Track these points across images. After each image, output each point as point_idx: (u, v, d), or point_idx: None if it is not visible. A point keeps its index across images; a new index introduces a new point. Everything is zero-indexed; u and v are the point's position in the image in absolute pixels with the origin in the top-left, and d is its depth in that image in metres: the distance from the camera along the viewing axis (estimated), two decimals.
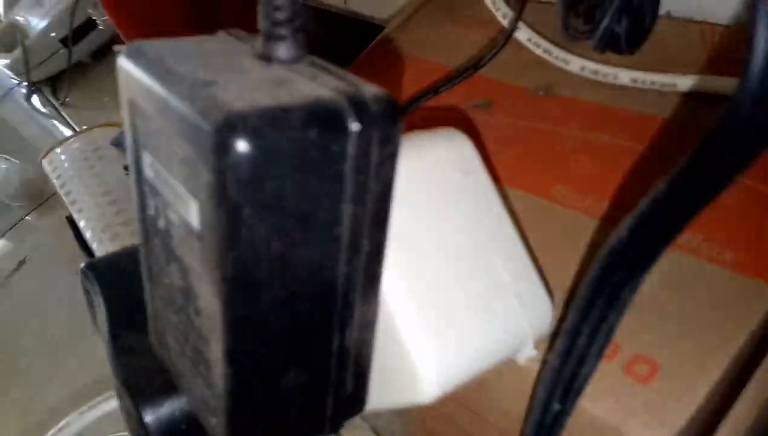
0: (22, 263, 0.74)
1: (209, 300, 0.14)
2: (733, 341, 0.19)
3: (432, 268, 0.17)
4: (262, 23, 0.14)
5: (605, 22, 0.21)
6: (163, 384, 0.22)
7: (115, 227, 0.65)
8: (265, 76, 0.13)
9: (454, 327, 0.17)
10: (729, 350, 0.19)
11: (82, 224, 0.68)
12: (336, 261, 0.14)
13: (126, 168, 0.69)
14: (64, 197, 0.71)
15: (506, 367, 0.19)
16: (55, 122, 0.87)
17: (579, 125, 0.26)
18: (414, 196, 0.17)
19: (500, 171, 0.27)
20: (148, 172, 0.16)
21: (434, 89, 0.30)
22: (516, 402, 0.22)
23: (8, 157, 0.84)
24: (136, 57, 0.15)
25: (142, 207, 0.17)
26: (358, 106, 0.13)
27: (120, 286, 0.26)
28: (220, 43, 0.16)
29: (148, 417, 0.21)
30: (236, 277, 0.13)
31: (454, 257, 0.17)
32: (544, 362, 0.17)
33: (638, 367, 0.19)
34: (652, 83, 0.26)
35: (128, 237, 0.63)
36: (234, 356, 0.14)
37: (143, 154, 0.16)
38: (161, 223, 0.16)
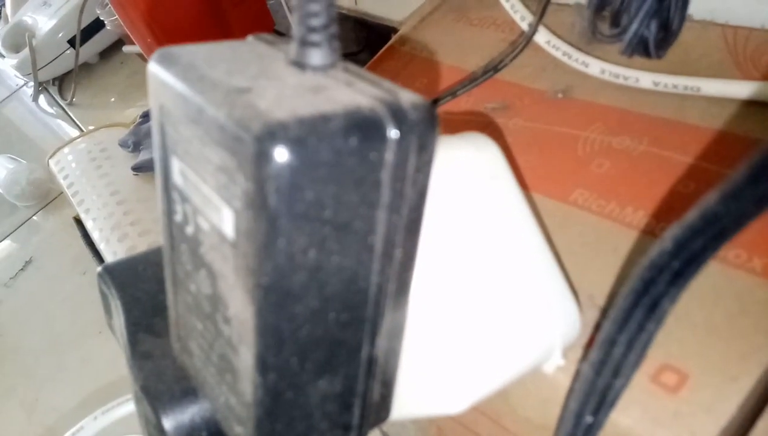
0: (28, 263, 0.75)
1: (241, 308, 0.14)
2: (764, 350, 0.18)
3: (461, 275, 0.17)
4: (296, 29, 0.14)
5: (634, 26, 0.21)
6: (184, 390, 0.21)
7: (123, 227, 0.65)
8: (301, 84, 0.13)
9: (484, 336, 0.17)
10: (760, 360, 0.18)
11: (89, 224, 0.68)
12: (369, 270, 0.14)
13: (134, 169, 0.69)
14: (71, 197, 0.71)
15: (528, 375, 0.19)
16: (62, 122, 0.87)
17: (600, 129, 0.26)
18: (442, 201, 0.17)
19: (518, 175, 0.27)
20: (177, 179, 0.16)
21: (452, 92, 0.30)
22: (538, 410, 0.21)
23: (15, 157, 0.84)
24: (167, 62, 0.15)
25: (169, 213, 0.17)
26: (397, 114, 0.12)
27: (138, 289, 0.26)
28: (251, 48, 0.16)
29: (168, 423, 0.21)
30: (271, 286, 0.13)
31: (483, 263, 0.17)
32: (577, 373, 0.17)
33: (666, 377, 0.19)
34: (675, 86, 0.26)
35: (137, 237, 0.63)
36: (265, 365, 0.14)
37: (172, 160, 0.16)
38: (189, 229, 0.16)
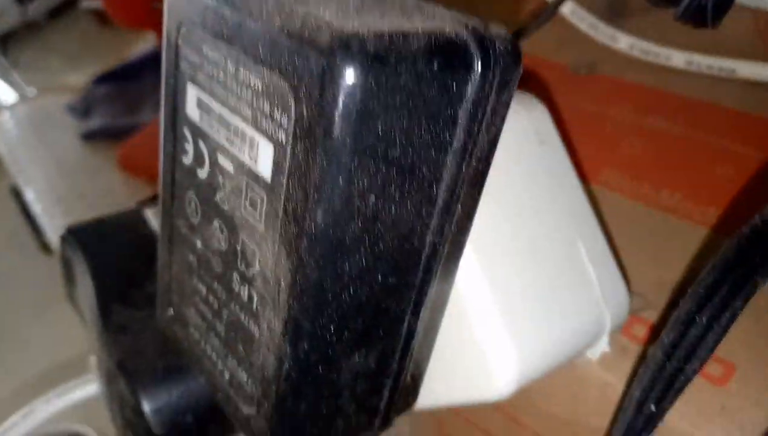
0: None
1: (274, 264, 0.12)
2: None
3: (511, 250, 0.16)
4: None
5: None
6: (167, 367, 0.20)
7: (69, 200, 0.61)
8: (372, 1, 0.12)
9: (533, 317, 0.15)
10: None
11: (30, 196, 0.64)
12: (427, 226, 0.13)
13: (85, 136, 0.65)
14: (10, 166, 0.67)
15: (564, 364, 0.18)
16: (4, 85, 0.82)
17: (630, 107, 0.26)
18: (491, 168, 0.16)
19: None
20: (191, 112, 0.14)
21: None
22: (566, 406, 0.20)
23: None
24: None
25: (174, 154, 0.15)
26: (483, 43, 0.11)
27: (109, 255, 0.23)
28: None
29: (148, 405, 0.19)
30: (320, 236, 0.11)
31: (534, 237, 0.16)
32: (643, 357, 0.16)
33: (711, 368, 0.18)
34: (709, 67, 0.25)
35: (85, 210, 0.60)
36: (297, 332, 0.12)
37: (187, 90, 0.14)
38: (203, 173, 0.14)
